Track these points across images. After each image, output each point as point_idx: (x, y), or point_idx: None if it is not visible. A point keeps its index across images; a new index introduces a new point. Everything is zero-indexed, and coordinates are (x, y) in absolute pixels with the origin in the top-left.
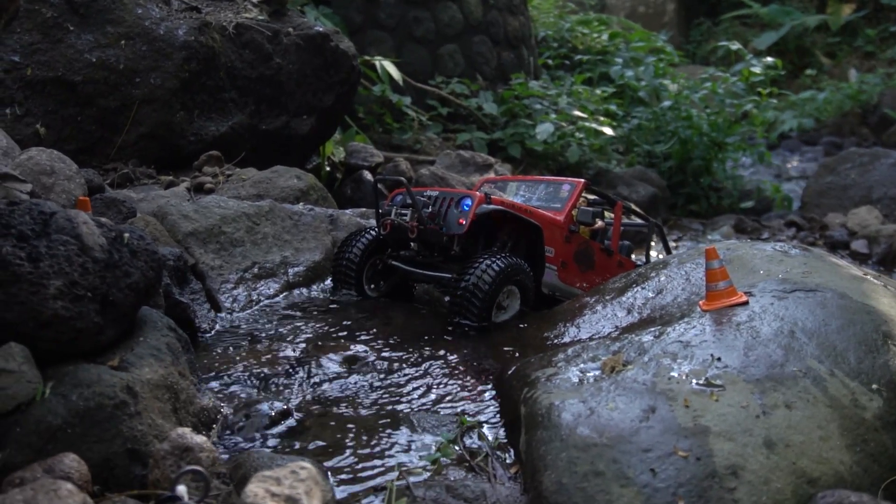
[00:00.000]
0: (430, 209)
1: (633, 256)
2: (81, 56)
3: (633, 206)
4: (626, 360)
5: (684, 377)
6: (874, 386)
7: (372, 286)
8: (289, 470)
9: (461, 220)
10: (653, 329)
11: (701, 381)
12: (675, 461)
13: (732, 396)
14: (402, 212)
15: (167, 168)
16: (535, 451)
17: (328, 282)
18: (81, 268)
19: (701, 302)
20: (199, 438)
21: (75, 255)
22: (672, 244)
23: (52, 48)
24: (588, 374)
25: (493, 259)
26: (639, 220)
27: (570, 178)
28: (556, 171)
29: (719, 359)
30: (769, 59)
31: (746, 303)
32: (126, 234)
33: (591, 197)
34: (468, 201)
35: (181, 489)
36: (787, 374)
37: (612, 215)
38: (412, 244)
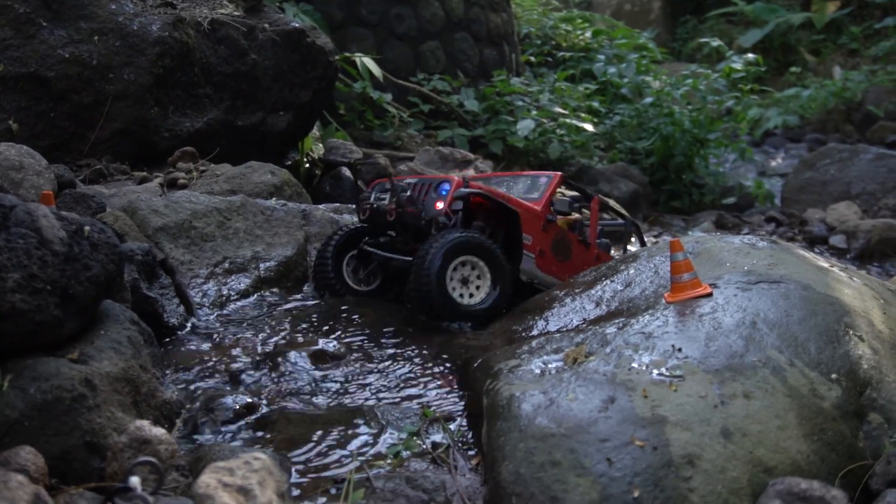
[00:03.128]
0: (408, 192)
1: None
2: (54, 52)
3: (612, 203)
4: (588, 351)
5: (645, 368)
6: (833, 376)
7: (354, 276)
8: (242, 461)
9: (438, 203)
10: (617, 321)
11: (661, 372)
12: (632, 451)
13: (691, 386)
14: (382, 196)
15: (141, 164)
16: (494, 442)
17: (300, 277)
18: (40, 261)
19: (666, 294)
20: (158, 431)
21: (34, 248)
22: (653, 240)
23: (25, 44)
24: (550, 366)
25: (441, 234)
26: (618, 221)
27: (546, 172)
28: (538, 167)
29: (680, 349)
30: (751, 55)
31: (710, 294)
32: (86, 228)
33: (571, 193)
34: (446, 185)
35: (134, 480)
36: (747, 365)
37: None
38: (391, 232)
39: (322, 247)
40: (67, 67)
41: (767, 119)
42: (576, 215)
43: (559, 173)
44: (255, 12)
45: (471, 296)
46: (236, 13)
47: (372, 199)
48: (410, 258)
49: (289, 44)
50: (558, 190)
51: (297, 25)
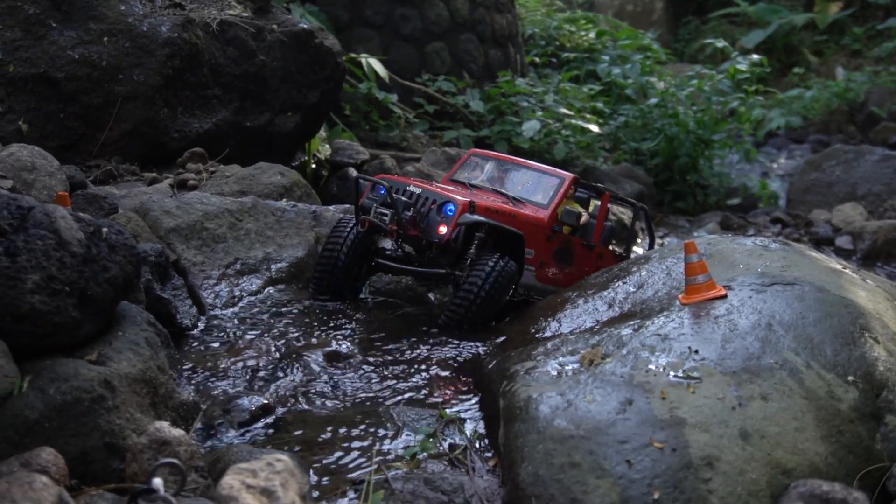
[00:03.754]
0: (410, 212)
1: (612, 243)
2: (64, 53)
3: (620, 195)
4: (604, 353)
5: (662, 370)
6: (850, 378)
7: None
8: (265, 462)
9: (441, 228)
10: (632, 322)
11: (678, 374)
12: (651, 452)
13: (709, 388)
14: (383, 211)
15: (151, 165)
16: (512, 444)
17: (311, 278)
18: (59, 262)
19: (680, 296)
20: (177, 432)
21: (53, 249)
22: (658, 240)
23: (35, 45)
24: (566, 368)
25: (502, 262)
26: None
27: (558, 171)
28: None
29: (697, 351)
30: (755, 56)
31: (725, 296)
32: (104, 229)
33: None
34: (451, 207)
35: (157, 481)
36: (764, 367)
37: (598, 205)
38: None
39: (331, 247)
40: (77, 68)
41: (770, 120)
42: (584, 218)
43: (571, 176)
44: (263, 13)
45: None
46: (245, 14)
47: (372, 214)
48: (441, 270)
49: (297, 45)
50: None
51: (305, 26)
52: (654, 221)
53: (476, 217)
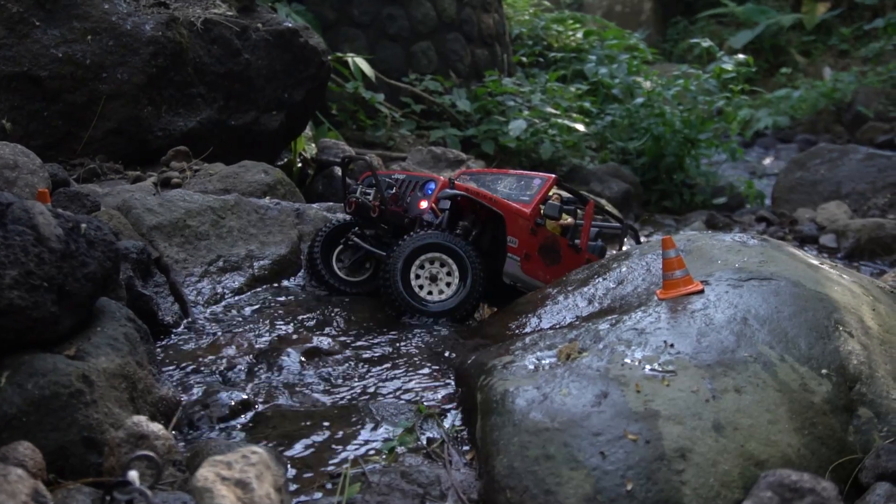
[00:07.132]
0: (393, 190)
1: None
2: (48, 51)
3: (607, 206)
4: (581, 347)
5: (637, 363)
6: (824, 371)
7: (345, 268)
8: (240, 455)
9: (422, 203)
10: (610, 317)
11: (653, 367)
12: (625, 444)
13: (683, 381)
14: (367, 191)
15: (134, 163)
16: (488, 437)
17: (294, 275)
18: (37, 258)
19: (658, 291)
20: (155, 426)
21: (31, 245)
22: (644, 240)
23: (18, 43)
24: (544, 362)
25: (414, 233)
26: (614, 223)
27: (541, 173)
28: (530, 167)
29: (672, 345)
30: (741, 56)
31: (702, 291)
32: (83, 225)
33: (565, 195)
34: (432, 185)
35: (132, 474)
36: (738, 360)
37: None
38: (383, 225)
39: (311, 242)
40: (61, 67)
41: (758, 120)
42: (568, 219)
43: (552, 176)
44: (248, 12)
45: (440, 292)
46: (229, 13)
47: (357, 193)
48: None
49: (282, 43)
50: (554, 193)
51: (290, 25)
52: (640, 220)
53: (455, 191)
